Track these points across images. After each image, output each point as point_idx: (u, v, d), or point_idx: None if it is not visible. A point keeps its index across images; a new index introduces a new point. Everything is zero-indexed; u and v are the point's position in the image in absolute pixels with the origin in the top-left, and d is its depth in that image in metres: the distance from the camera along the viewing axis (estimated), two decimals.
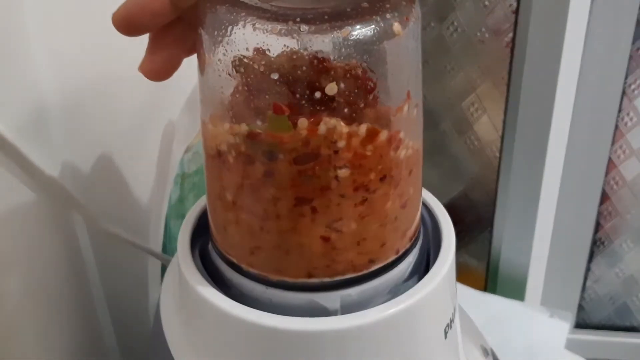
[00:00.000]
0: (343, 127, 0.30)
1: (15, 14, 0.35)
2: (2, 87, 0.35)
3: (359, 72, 0.30)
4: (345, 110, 0.30)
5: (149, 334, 0.41)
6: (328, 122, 0.30)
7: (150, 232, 0.54)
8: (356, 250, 0.33)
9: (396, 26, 0.30)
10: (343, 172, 0.31)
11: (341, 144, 0.30)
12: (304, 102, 0.29)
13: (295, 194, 0.32)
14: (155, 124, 0.53)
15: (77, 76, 0.41)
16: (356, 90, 0.30)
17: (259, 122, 0.31)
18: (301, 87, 0.29)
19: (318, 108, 0.30)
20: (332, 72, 0.29)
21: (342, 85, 0.30)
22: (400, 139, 0.32)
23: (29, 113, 0.37)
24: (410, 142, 0.33)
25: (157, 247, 0.55)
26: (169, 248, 0.56)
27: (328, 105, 0.30)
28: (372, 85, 0.30)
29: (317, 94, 0.29)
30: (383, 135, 0.31)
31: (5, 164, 0.36)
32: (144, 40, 0.48)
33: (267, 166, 0.31)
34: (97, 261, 0.47)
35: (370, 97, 0.30)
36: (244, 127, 0.31)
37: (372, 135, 0.31)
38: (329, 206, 0.32)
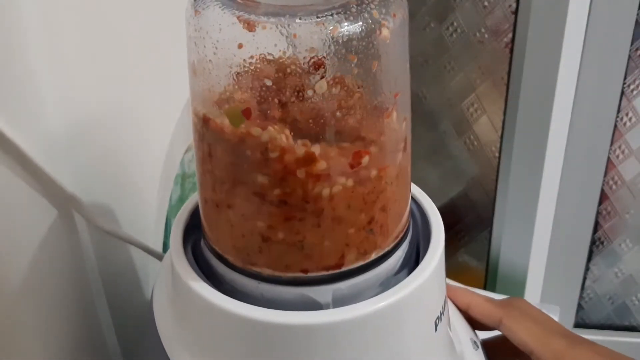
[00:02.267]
0: (282, 140, 0.31)
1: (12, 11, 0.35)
2: (3, 85, 0.35)
3: (349, 70, 0.30)
4: (330, 114, 0.31)
5: (145, 329, 0.41)
6: (270, 131, 0.31)
7: (150, 231, 0.54)
8: (335, 246, 0.34)
9: (384, 30, 0.30)
10: (261, 178, 0.32)
11: (273, 154, 0.31)
12: (286, 102, 0.30)
13: (224, 179, 0.33)
14: (156, 124, 0.53)
15: (78, 78, 0.42)
16: (344, 90, 0.30)
17: (218, 109, 0.32)
18: (289, 87, 0.30)
19: (303, 107, 0.30)
20: (322, 71, 0.30)
21: (332, 88, 0.30)
22: (327, 175, 0.32)
23: (29, 112, 0.38)
24: (339, 182, 0.32)
25: (158, 246, 0.55)
26: (169, 247, 0.56)
27: (313, 104, 0.30)
28: (360, 83, 0.31)
29: (302, 94, 0.30)
30: (321, 165, 0.32)
31: (6, 163, 0.37)
32: (144, 37, 0.49)
33: (210, 148, 0.33)
34: (98, 260, 0.47)
35: (357, 96, 0.31)
36: (203, 111, 0.33)
37: (308, 159, 0.31)
38: (235, 200, 0.33)
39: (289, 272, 0.34)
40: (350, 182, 0.32)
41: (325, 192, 0.32)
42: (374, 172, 0.33)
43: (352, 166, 0.32)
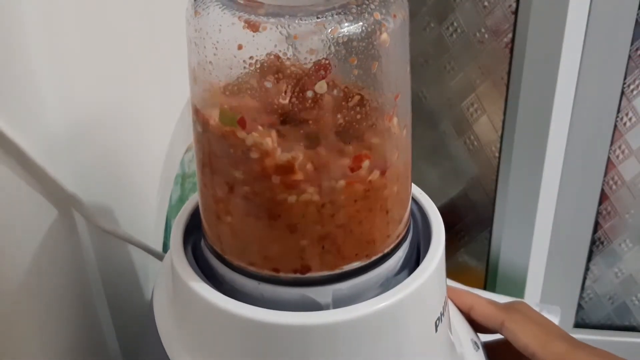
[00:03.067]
0: (267, 144, 0.31)
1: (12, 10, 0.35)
2: (3, 85, 0.35)
3: (349, 71, 0.30)
4: (330, 116, 0.31)
5: (145, 329, 0.41)
6: (255, 136, 0.31)
7: (151, 231, 0.54)
8: (340, 246, 0.34)
9: (385, 31, 0.30)
10: (239, 174, 0.32)
11: (254, 155, 0.32)
12: (285, 104, 0.30)
13: (207, 165, 0.34)
14: (156, 124, 0.53)
15: (78, 78, 0.42)
16: (344, 91, 0.30)
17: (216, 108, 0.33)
18: (289, 88, 0.30)
19: (302, 109, 0.30)
20: (322, 72, 0.30)
21: (333, 89, 0.30)
22: (298, 182, 0.32)
23: (29, 112, 0.38)
24: (313, 192, 0.33)
25: (158, 246, 0.55)
26: (169, 247, 0.56)
27: (312, 106, 0.30)
28: (360, 84, 0.30)
29: (302, 95, 0.30)
30: (298, 176, 0.32)
31: (6, 163, 0.37)
32: (144, 37, 0.49)
33: (201, 136, 0.34)
34: (98, 260, 0.47)
35: (357, 98, 0.31)
36: (201, 110, 0.33)
37: (287, 168, 0.32)
38: (228, 197, 0.34)
39: (290, 272, 0.34)
40: (354, 184, 0.33)
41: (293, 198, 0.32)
42: (374, 176, 0.33)
43: (352, 170, 0.32)
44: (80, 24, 0.41)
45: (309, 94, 0.30)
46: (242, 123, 0.31)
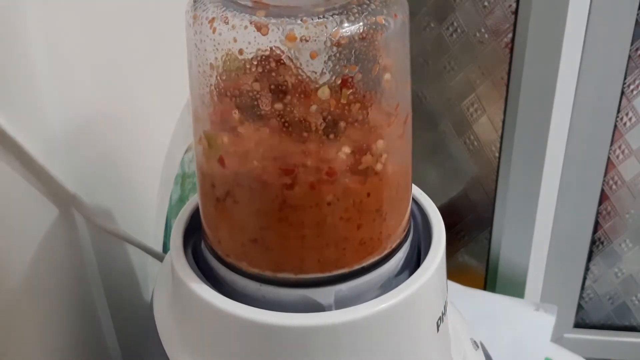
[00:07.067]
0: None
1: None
2: (4, 84, 0.35)
3: (350, 73, 0.30)
4: (331, 120, 0.31)
5: (145, 329, 0.41)
6: (203, 140, 0.33)
7: (151, 231, 0.54)
8: (342, 247, 0.34)
9: (385, 31, 0.30)
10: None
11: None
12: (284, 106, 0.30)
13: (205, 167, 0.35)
14: (156, 124, 0.53)
15: (79, 77, 0.42)
16: (346, 95, 0.30)
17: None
18: (289, 91, 0.30)
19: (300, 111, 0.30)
20: (320, 76, 0.30)
21: (337, 94, 0.30)
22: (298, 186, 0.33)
23: (30, 111, 0.38)
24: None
25: (158, 246, 0.55)
26: (169, 248, 0.56)
27: (311, 111, 0.30)
28: (361, 86, 0.30)
29: (302, 98, 0.30)
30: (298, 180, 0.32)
31: (7, 161, 0.37)
32: (145, 36, 0.49)
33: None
34: (98, 260, 0.47)
35: (357, 106, 0.31)
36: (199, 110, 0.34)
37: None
38: (214, 197, 0.35)
39: (291, 273, 0.34)
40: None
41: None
42: (374, 178, 0.33)
43: (352, 172, 0.32)
44: (80, 23, 0.41)
45: (313, 104, 0.30)
46: (221, 162, 0.32)
